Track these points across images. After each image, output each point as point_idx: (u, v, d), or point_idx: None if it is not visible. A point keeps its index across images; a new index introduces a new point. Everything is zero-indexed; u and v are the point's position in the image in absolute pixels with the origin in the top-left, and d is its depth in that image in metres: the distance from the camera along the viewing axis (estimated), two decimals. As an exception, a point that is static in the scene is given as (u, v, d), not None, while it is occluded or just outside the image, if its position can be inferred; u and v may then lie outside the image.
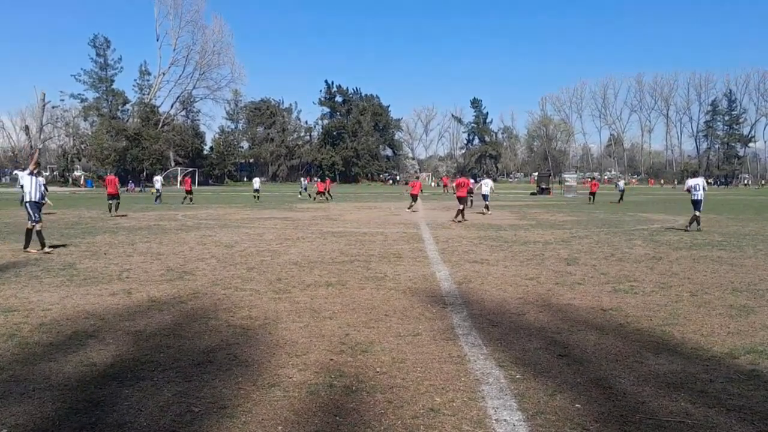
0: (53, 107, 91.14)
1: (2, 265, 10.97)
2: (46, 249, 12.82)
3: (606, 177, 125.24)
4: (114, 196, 25.59)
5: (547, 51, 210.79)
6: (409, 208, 29.99)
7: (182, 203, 36.10)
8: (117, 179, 27.11)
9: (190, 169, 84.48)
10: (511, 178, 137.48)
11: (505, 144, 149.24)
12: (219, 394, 4.59)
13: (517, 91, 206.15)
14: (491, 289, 8.87)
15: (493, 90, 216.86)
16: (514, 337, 6.26)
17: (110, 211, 25.27)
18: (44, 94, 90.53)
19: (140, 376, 4.98)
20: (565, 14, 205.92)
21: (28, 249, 12.90)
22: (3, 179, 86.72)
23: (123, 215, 25.50)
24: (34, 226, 13.08)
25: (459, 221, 22.21)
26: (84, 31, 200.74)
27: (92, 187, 78.59)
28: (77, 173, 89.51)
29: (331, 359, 5.47)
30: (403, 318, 7.09)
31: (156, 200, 38.16)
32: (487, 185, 28.95)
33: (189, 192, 38.54)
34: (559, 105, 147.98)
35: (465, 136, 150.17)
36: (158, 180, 42.06)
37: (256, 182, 45.73)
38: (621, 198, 40.87)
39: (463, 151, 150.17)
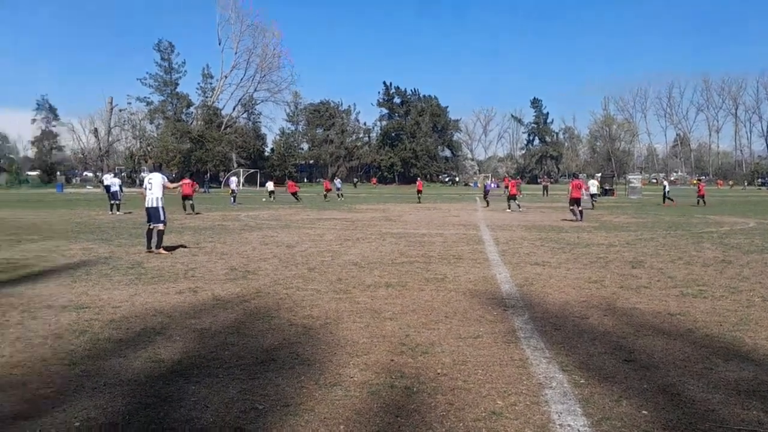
0: (121, 110, 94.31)
1: (74, 264, 11.39)
2: (161, 250, 12.92)
3: (672, 178, 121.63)
4: (188, 197, 27.84)
5: (610, 50, 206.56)
6: (510, 209, 30.86)
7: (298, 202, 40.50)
8: (194, 182, 29.21)
9: (252, 170, 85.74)
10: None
11: (566, 144, 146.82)
12: (282, 392, 4.66)
13: (579, 91, 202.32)
14: (553, 292, 8.73)
15: (554, 90, 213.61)
16: (577, 341, 6.15)
17: (185, 210, 27.46)
18: (112, 98, 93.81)
19: (206, 373, 5.09)
20: (628, 13, 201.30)
21: (151, 249, 12.99)
22: (74, 180, 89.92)
23: (197, 213, 27.19)
24: (156, 226, 13.07)
25: (578, 220, 23.06)
26: (150, 36, 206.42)
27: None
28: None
29: (392, 360, 5.48)
30: (464, 320, 7.05)
31: (233, 201, 38.60)
32: (593, 185, 34.25)
33: (294, 194, 43.62)
34: (622, 104, 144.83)
35: (525, 136, 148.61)
36: (233, 181, 42.57)
37: (270, 185, 45.69)
38: (665, 198, 39.13)
39: (523, 151, 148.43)
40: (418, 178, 76.77)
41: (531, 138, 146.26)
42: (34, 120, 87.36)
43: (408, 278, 9.90)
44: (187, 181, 27.91)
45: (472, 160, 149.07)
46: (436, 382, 4.90)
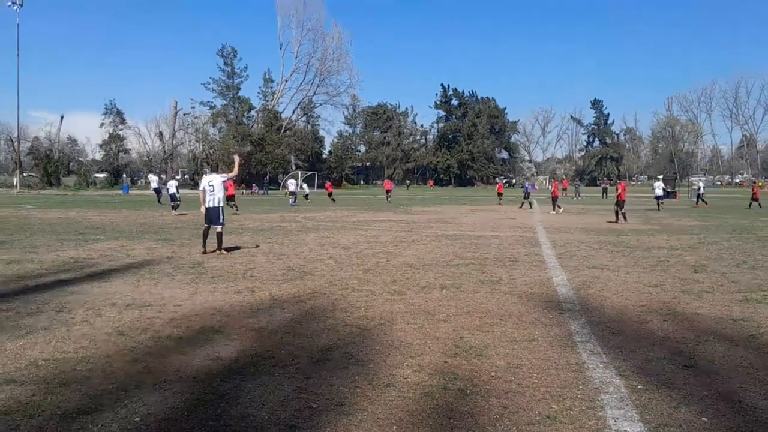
0: (185, 114, 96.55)
1: (138, 263, 11.73)
2: (222, 251, 13.14)
3: (739, 180, 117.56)
4: (231, 198, 28.92)
5: (674, 49, 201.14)
6: (554, 211, 30.90)
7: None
8: (234, 184, 30.54)
9: (308, 173, 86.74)
10: (633, 181, 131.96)
11: (627, 146, 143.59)
12: (336, 392, 4.71)
13: (640, 91, 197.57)
14: (611, 296, 8.57)
15: (615, 91, 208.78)
16: (635, 345, 6.02)
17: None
18: (176, 102, 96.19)
19: (262, 371, 5.19)
20: (691, 10, 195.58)
21: (206, 250, 13.18)
22: (140, 182, 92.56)
23: (236, 213, 27.60)
24: (215, 228, 13.27)
25: (618, 222, 22.92)
26: (213, 41, 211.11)
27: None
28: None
29: (446, 362, 5.48)
30: (519, 323, 6.99)
31: (292, 203, 39.08)
32: (658, 187, 34.76)
33: (329, 195, 45.46)
34: (686, 105, 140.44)
35: (585, 138, 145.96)
36: (292, 183, 42.74)
37: (292, 185, 45.39)
38: (698, 200, 38.48)
39: (583, 153, 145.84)
40: (499, 181, 75.73)
41: (591, 139, 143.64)
42: (102, 124, 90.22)
43: (463, 280, 9.87)
44: (229, 183, 29.01)
45: (530, 161, 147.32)
46: (489, 384, 4.88)
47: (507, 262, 12.05)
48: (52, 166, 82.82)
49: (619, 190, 23.92)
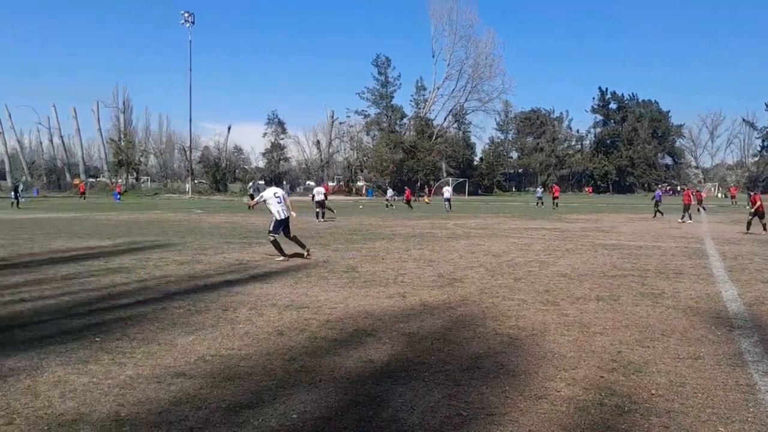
0: (340, 123, 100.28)
1: (296, 266, 12.28)
2: (282, 257, 13.32)
3: None
4: (322, 204, 29.93)
5: None
6: (682, 220, 28.55)
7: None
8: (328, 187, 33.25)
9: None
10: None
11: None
12: (486, 401, 4.66)
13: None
14: (790, 314, 7.83)
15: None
16: (819, 369, 5.46)
17: (317, 217, 29.01)
18: (333, 112, 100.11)
19: (412, 376, 5.24)
20: None
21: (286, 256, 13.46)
22: (298, 188, 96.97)
23: (326, 219, 27.35)
24: (274, 237, 13.60)
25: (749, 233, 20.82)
26: (368, 52, 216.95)
27: (372, 196, 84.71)
28: (359, 183, 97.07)
29: (602, 377, 5.25)
30: (683, 339, 6.57)
31: (448, 209, 40.75)
32: None
33: (407, 202, 46.95)
34: None
35: (759, 142, 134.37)
36: (447, 190, 45.17)
37: (447, 192, 44.74)
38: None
39: (756, 158, 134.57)
40: (696, 189, 69.62)
41: (765, 144, 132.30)
42: (265, 133, 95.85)
43: (621, 292, 9.43)
44: (319, 188, 31.28)
45: (697, 168, 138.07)
46: (649, 403, 4.62)
47: (670, 274, 11.36)
48: (220, 173, 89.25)
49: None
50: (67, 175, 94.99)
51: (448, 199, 42.79)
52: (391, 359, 5.77)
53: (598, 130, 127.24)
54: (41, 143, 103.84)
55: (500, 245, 16.86)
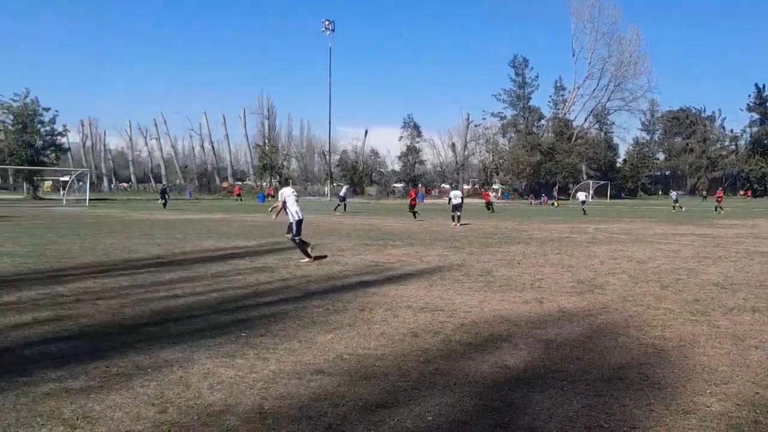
0: (476, 126, 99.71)
1: (431, 269, 12.33)
2: (306, 260, 13.26)
3: None
4: (412, 207, 32.19)
5: None
6: None
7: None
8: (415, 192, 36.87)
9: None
10: None
11: None
12: (629, 413, 4.45)
13: None
14: None
15: None
16: None
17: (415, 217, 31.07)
18: (468, 114, 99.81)
19: (550, 384, 5.10)
20: None
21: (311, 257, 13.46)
22: (433, 191, 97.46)
23: (420, 220, 26.75)
24: (293, 239, 13.59)
25: None
26: (505, 53, 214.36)
27: (508, 198, 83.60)
28: (495, 186, 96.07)
29: (757, 393, 4.87)
30: None
31: (585, 212, 40.02)
32: None
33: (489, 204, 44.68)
34: None
35: None
36: (582, 194, 45.03)
37: (582, 195, 43.50)
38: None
39: None
40: None
41: None
42: (400, 137, 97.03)
43: (781, 304, 8.70)
44: (412, 192, 32.74)
45: None
46: (815, 426, 4.22)
47: (839, 285, 10.35)
48: (358, 176, 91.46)
49: None
50: (217, 179, 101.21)
51: (584, 202, 41.95)
52: (528, 366, 5.65)
53: (755, 129, 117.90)
54: (193, 148, 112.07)
55: (645, 251, 16.07)
